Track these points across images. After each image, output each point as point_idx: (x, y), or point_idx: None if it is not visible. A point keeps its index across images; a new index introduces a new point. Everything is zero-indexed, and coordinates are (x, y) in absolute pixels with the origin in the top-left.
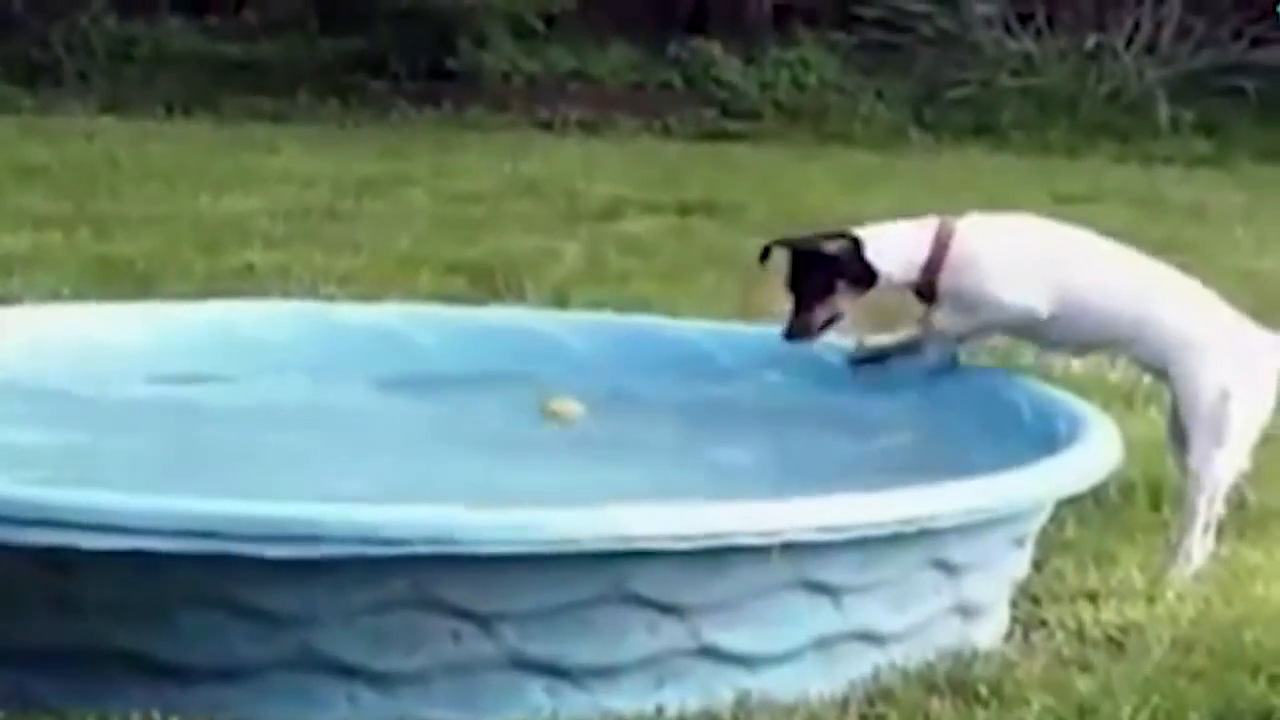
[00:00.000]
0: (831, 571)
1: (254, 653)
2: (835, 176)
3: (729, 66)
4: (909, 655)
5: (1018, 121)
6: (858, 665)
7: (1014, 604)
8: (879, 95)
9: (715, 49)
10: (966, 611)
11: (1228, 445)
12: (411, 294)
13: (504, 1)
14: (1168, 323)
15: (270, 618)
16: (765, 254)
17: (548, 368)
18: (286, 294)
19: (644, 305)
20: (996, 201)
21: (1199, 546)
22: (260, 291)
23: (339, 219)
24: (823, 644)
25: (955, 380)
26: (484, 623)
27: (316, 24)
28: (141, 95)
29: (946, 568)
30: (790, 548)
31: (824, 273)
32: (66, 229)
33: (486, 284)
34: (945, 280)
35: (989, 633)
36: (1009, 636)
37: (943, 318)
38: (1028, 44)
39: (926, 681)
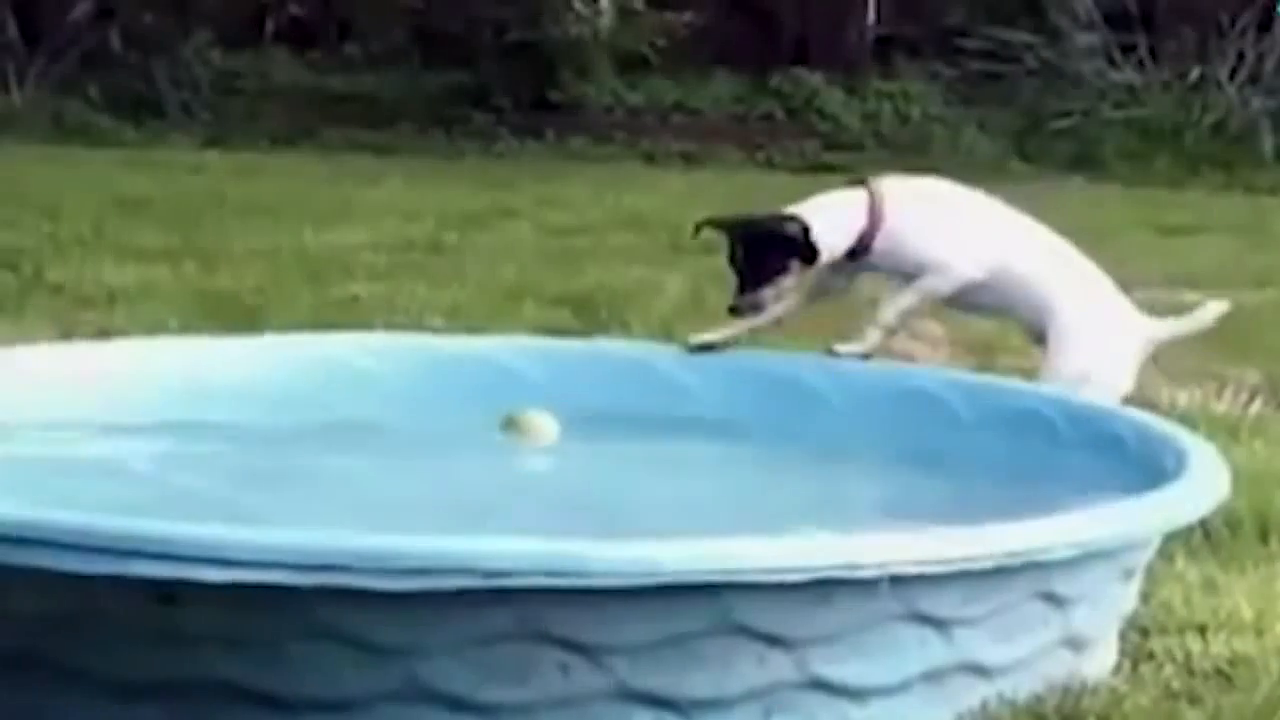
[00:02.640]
0: (940, 604)
1: (362, 684)
2: None
3: (831, 98)
4: (1018, 687)
5: (1121, 153)
6: (966, 698)
7: (1122, 636)
8: (981, 127)
9: (817, 80)
10: (1075, 644)
11: None
12: (516, 326)
13: (607, 35)
14: (1055, 294)
15: (378, 649)
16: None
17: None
18: (391, 326)
19: (747, 338)
20: (1100, 233)
21: None
22: (365, 324)
23: (443, 251)
24: (932, 676)
25: (1060, 413)
26: (593, 655)
27: (419, 57)
28: (246, 128)
29: (1055, 600)
30: (899, 580)
31: (777, 252)
32: (172, 262)
33: (590, 316)
34: (881, 242)
35: (1098, 665)
36: (1117, 669)
37: (888, 306)
38: (1130, 75)
39: (1036, 714)
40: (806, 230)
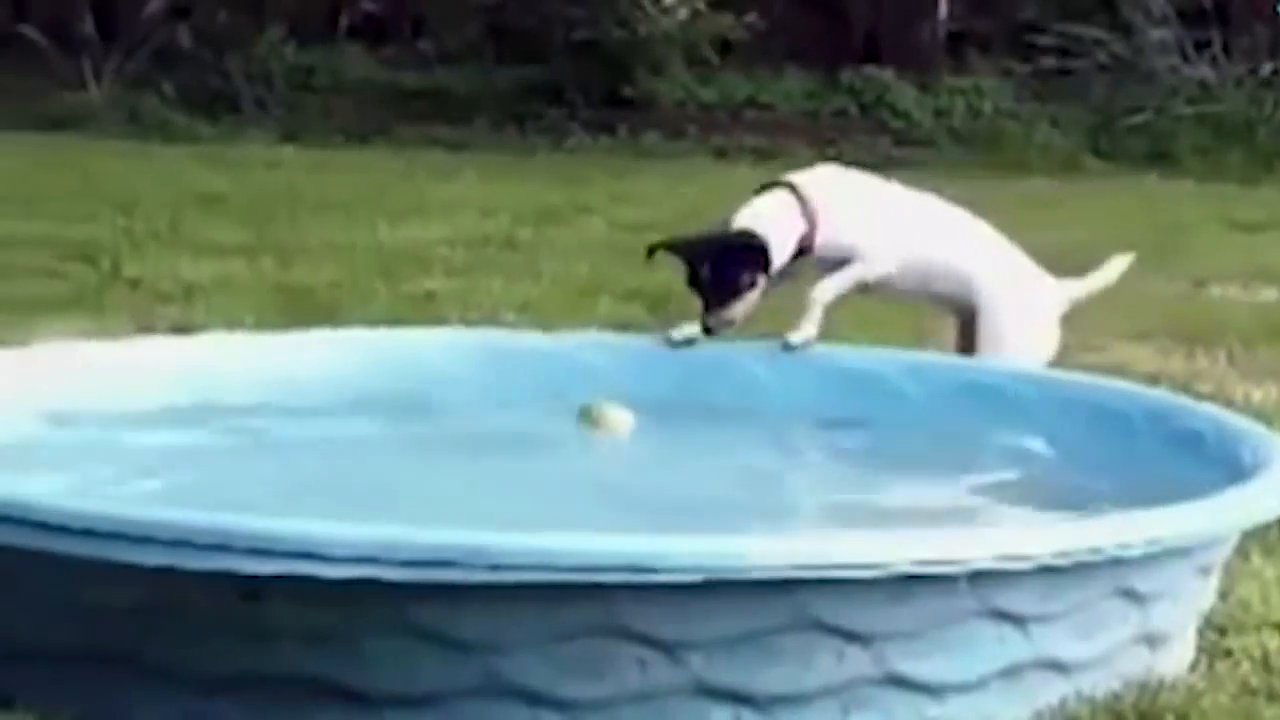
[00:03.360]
0: (1019, 600)
1: (441, 679)
2: (1010, 205)
3: (903, 94)
4: (1095, 684)
5: (1194, 149)
6: (1044, 694)
7: (1200, 633)
8: (1054, 123)
9: (889, 76)
10: (1153, 641)
11: None
12: (590, 322)
13: (679, 32)
14: (979, 272)
15: (458, 644)
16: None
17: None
18: (466, 322)
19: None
20: (1174, 229)
21: None
22: (440, 319)
23: (517, 247)
24: (1010, 673)
25: (1138, 409)
26: (670, 650)
27: (493, 53)
28: (320, 124)
29: (1133, 597)
30: (978, 577)
31: (743, 267)
32: (249, 257)
33: (664, 311)
34: (820, 242)
35: (1175, 662)
36: (1195, 666)
37: (823, 288)
38: (1204, 71)
39: (1113, 711)
40: (765, 245)
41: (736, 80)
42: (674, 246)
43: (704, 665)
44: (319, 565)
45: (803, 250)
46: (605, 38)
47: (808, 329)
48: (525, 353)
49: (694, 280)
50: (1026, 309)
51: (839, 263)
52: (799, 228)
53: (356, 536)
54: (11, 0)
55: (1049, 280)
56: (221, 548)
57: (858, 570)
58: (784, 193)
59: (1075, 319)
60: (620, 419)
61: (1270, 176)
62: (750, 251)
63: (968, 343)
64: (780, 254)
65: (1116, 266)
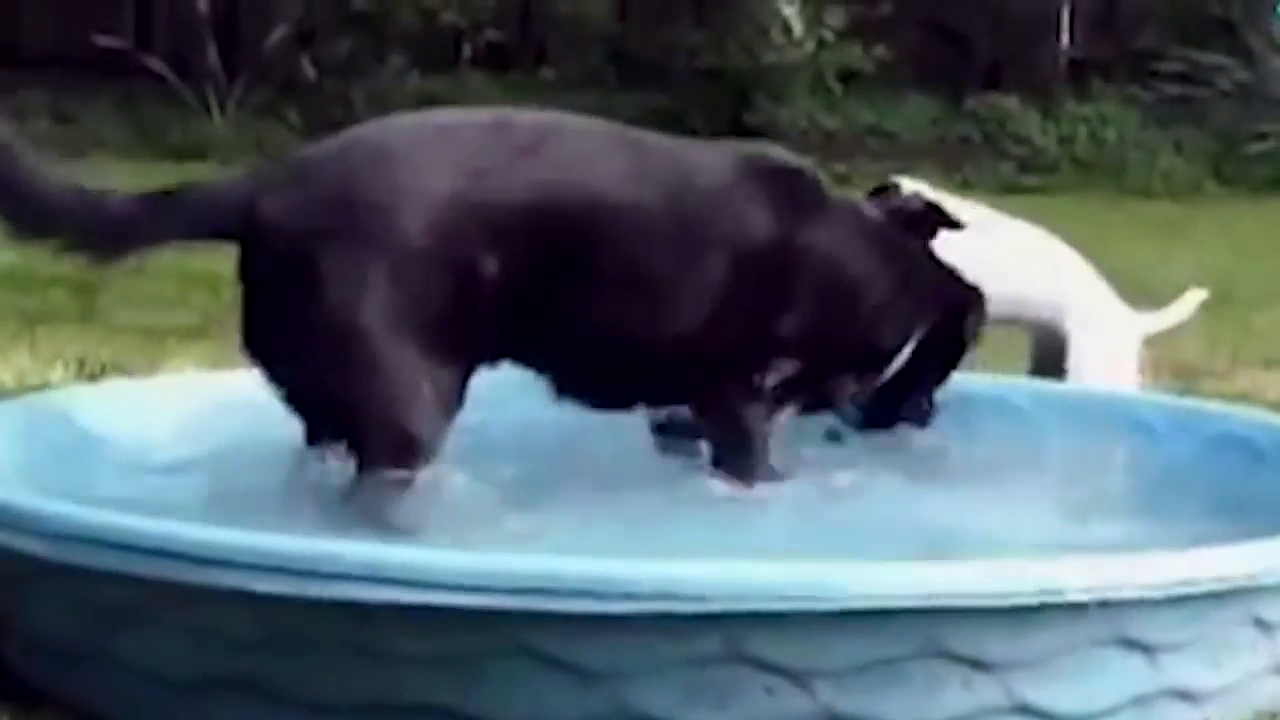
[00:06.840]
0: (1149, 629)
1: (563, 708)
2: (1134, 231)
3: (1026, 121)
4: (1225, 714)
5: None
6: None
7: None
8: (1177, 149)
9: (1012, 103)
10: None
11: None
12: None
13: (802, 60)
14: (1070, 302)
15: (581, 672)
16: None
17: None
18: None
19: None
20: None
21: None
22: None
23: None
24: (1139, 702)
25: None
26: (797, 678)
27: (615, 80)
28: None
29: (1264, 626)
30: (1107, 605)
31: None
32: None
33: None
34: None
35: None
36: None
37: None
38: None
39: None
40: None
41: (859, 107)
42: None
43: (831, 693)
44: (434, 594)
45: None
46: (727, 65)
47: None
48: None
49: None
50: (1112, 339)
51: None
52: None
53: (475, 565)
54: (135, 32)
55: (1129, 313)
56: (340, 576)
57: (983, 599)
58: None
59: (1206, 346)
60: None
61: None
62: None
63: (1041, 365)
64: None
65: (1191, 301)
